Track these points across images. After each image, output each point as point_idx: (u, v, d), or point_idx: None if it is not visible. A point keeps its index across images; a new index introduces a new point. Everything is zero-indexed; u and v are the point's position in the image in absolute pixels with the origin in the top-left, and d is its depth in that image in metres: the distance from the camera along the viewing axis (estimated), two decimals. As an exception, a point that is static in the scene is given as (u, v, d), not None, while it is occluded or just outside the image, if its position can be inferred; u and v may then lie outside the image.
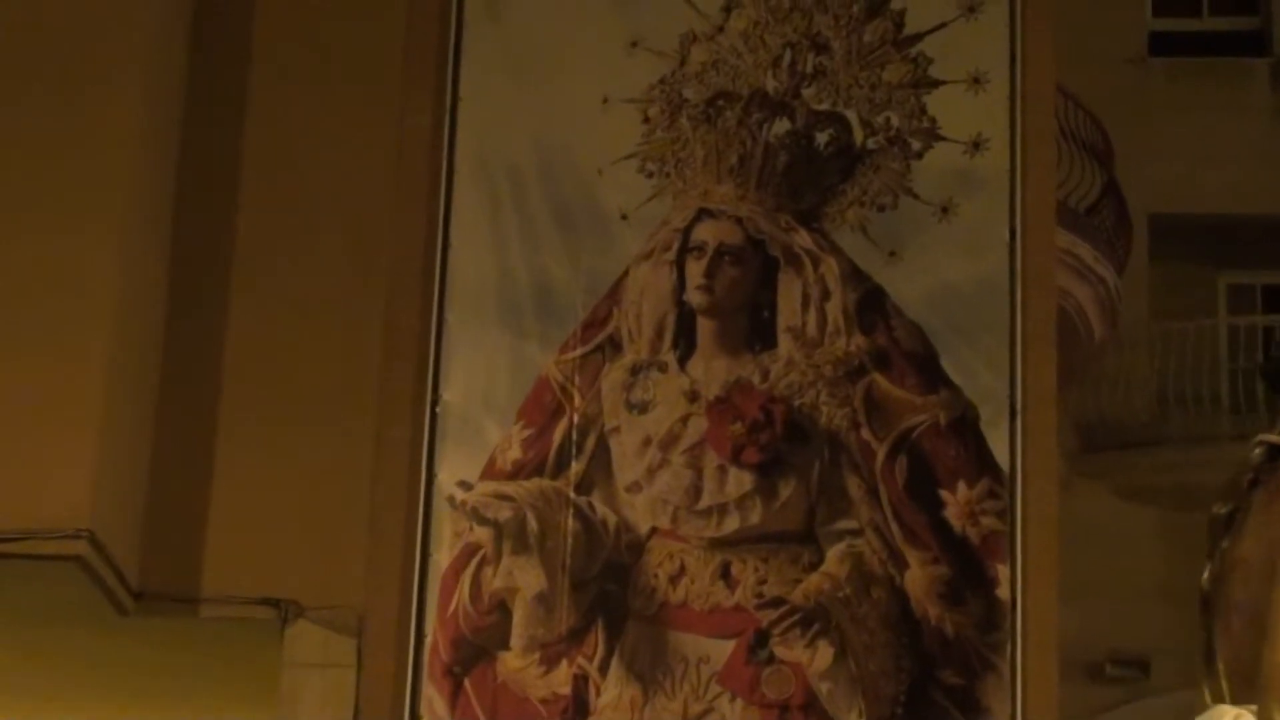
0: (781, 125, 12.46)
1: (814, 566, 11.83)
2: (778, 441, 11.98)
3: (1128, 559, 20.00)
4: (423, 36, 12.60)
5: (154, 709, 13.95)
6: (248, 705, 12.50)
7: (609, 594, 11.91)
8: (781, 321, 12.20)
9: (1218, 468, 21.52)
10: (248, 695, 12.38)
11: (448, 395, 12.20)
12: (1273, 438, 7.45)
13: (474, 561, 11.99)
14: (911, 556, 11.82)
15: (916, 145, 12.39)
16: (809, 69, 12.51)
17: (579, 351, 12.25)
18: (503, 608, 11.91)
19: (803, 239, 12.28)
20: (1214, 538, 7.53)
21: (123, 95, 11.78)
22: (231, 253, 12.32)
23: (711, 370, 12.18)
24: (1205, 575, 7.43)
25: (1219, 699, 7.16)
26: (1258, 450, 7.48)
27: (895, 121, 12.45)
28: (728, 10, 12.59)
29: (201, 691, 13.29)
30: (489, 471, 12.11)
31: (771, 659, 11.72)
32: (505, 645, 11.86)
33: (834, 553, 11.84)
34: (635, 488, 12.03)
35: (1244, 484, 7.48)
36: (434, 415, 12.16)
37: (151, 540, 11.83)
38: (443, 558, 11.99)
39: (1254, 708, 6.88)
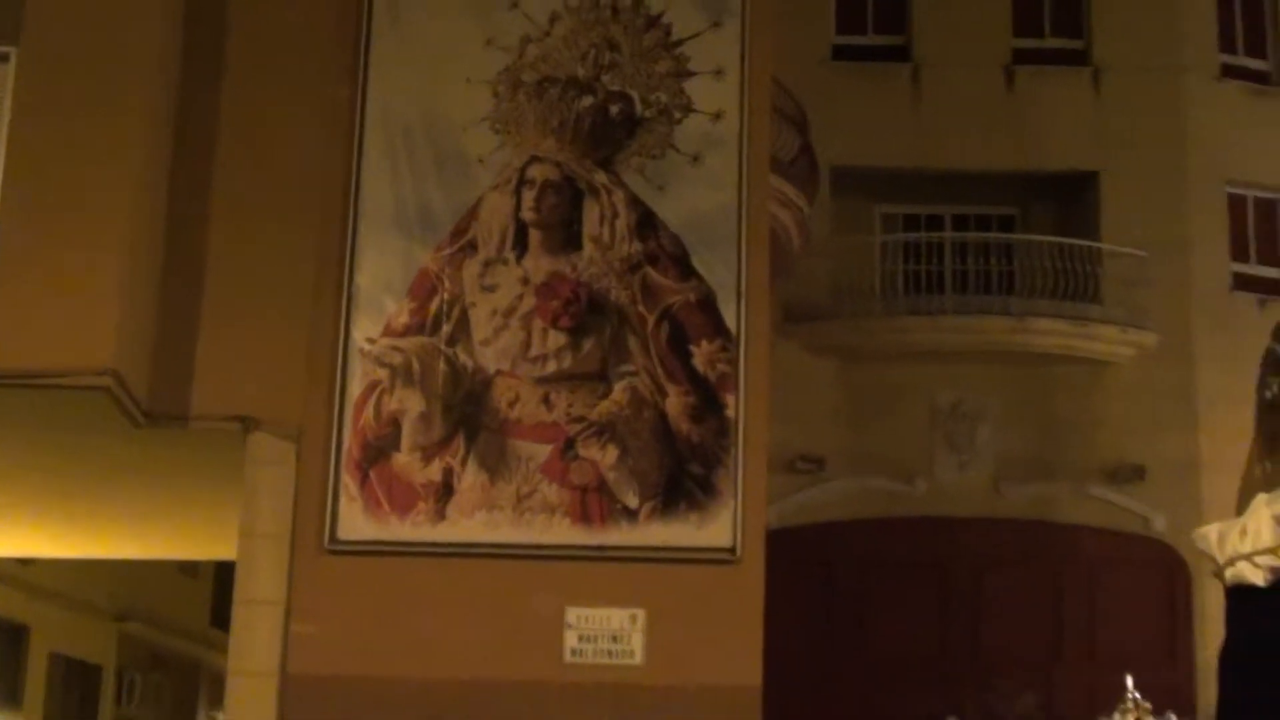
0: (587, 100, 12.43)
1: (605, 396, 11.94)
2: (582, 313, 12.05)
3: (812, 392, 20.15)
4: (343, 33, 12.45)
5: (159, 494, 13.93)
6: (223, 489, 12.42)
7: (468, 414, 11.95)
8: (586, 232, 12.23)
9: (874, 334, 22.01)
10: (223, 482, 12.31)
11: (359, 280, 12.14)
12: None
13: (376, 392, 11.99)
14: (670, 390, 11.95)
15: (678, 115, 12.39)
16: (606, 62, 12.46)
17: (449, 251, 12.21)
18: (395, 423, 11.93)
19: (601, 177, 12.31)
20: (1276, 364, 7.46)
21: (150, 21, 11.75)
22: (211, 176, 12.17)
23: (538, 264, 12.20)
24: (1273, 390, 7.37)
25: None
26: None
27: (664, 99, 12.44)
28: (552, 21, 12.50)
29: (191, 480, 13.26)
30: (387, 331, 12.09)
31: (577, 457, 11.84)
32: (398, 448, 11.90)
33: (619, 387, 11.96)
34: (486, 343, 12.04)
35: None
36: (350, 293, 12.10)
37: (156, 374, 11.74)
38: (355, 389, 11.98)
39: None
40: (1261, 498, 7.09)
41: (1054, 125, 21.73)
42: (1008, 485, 20.52)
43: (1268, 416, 7.33)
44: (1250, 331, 21.43)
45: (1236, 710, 6.52)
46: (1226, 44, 22.90)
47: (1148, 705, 5.33)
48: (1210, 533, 7.22)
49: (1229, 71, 22.72)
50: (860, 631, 19.84)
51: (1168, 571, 20.55)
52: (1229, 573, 7.13)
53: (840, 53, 22.31)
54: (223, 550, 13.33)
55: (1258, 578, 6.94)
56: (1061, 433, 20.67)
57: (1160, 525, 20.62)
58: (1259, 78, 22.97)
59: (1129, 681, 5.50)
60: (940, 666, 19.81)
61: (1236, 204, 22.26)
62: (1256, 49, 23.14)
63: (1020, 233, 21.67)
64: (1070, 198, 21.99)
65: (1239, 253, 22.14)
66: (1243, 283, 21.97)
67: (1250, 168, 22.25)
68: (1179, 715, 19.14)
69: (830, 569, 19.84)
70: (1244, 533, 7.06)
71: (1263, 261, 22.31)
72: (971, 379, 20.69)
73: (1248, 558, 6.98)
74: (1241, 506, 7.28)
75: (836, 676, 19.58)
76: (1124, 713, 5.36)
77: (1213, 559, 7.20)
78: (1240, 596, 7.09)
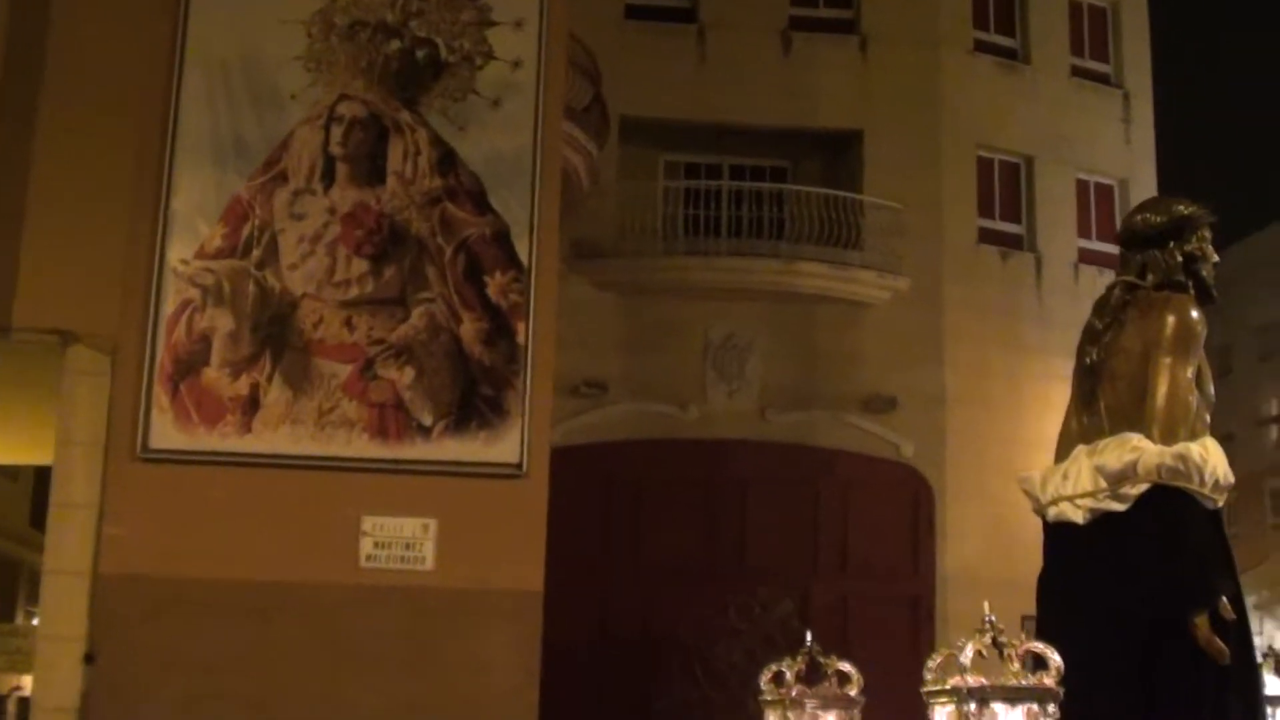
0: (395, 44, 12.29)
1: (404, 320, 11.83)
2: (385, 242, 11.94)
3: (596, 323, 20.22)
4: (166, -25, 12.21)
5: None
6: (43, 398, 12.09)
7: (274, 334, 11.78)
8: (390, 167, 12.10)
9: (654, 272, 22.01)
10: (43, 391, 11.98)
11: (175, 205, 11.89)
12: (1129, 279, 7.62)
13: (188, 310, 11.77)
14: (465, 316, 11.87)
15: (480, 62, 12.30)
16: (414, 9, 12.33)
17: (260, 180, 12.01)
18: (205, 340, 11.72)
19: (406, 117, 12.19)
20: (1093, 336, 7.62)
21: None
22: (36, 102, 11.76)
23: (344, 195, 12.04)
24: (1092, 357, 7.56)
25: (1097, 429, 7.45)
26: (1118, 289, 7.64)
27: (467, 46, 12.35)
28: (364, -33, 12.41)
29: (11, 389, 12.91)
30: (200, 254, 11.86)
31: (376, 376, 11.74)
32: (207, 364, 11.70)
33: (417, 312, 11.85)
34: (293, 267, 11.88)
35: (1116, 304, 7.57)
36: (166, 217, 11.85)
37: (-23, 289, 11.41)
38: (169, 306, 11.74)
39: (1139, 435, 7.18)
40: (1082, 449, 7.49)
41: (824, 87, 22.03)
42: (773, 412, 20.80)
43: (1085, 379, 7.70)
44: (993, 280, 22.22)
45: (1055, 627, 6.81)
46: (980, 22, 23.43)
47: (1002, 626, 5.46)
48: (1034, 476, 7.81)
49: (981, 47, 23.23)
50: (636, 542, 20.02)
51: (914, 493, 21.05)
52: (1051, 511, 7.56)
53: (632, 12, 22.37)
54: (41, 455, 13.02)
55: (1077, 516, 7.36)
56: (822, 365, 21.01)
57: (909, 451, 21.09)
58: (1008, 54, 23.54)
59: (985, 606, 5.61)
60: (709, 575, 20.06)
61: (984, 166, 22.84)
62: (1006, 28, 23.66)
63: (790, 184, 21.91)
64: (837, 153, 22.30)
65: (985, 210, 22.74)
66: (987, 237, 22.60)
67: (998, 134, 22.90)
68: (922, 619, 19.68)
69: (610, 485, 19.98)
70: (1066, 477, 7.47)
71: (1005, 219, 22.92)
72: (742, 315, 20.93)
73: (1069, 499, 7.40)
74: (1061, 454, 7.70)
75: (614, 583, 19.73)
76: (982, 632, 5.47)
77: (1035, 498, 7.58)
78: (1059, 531, 7.52)
